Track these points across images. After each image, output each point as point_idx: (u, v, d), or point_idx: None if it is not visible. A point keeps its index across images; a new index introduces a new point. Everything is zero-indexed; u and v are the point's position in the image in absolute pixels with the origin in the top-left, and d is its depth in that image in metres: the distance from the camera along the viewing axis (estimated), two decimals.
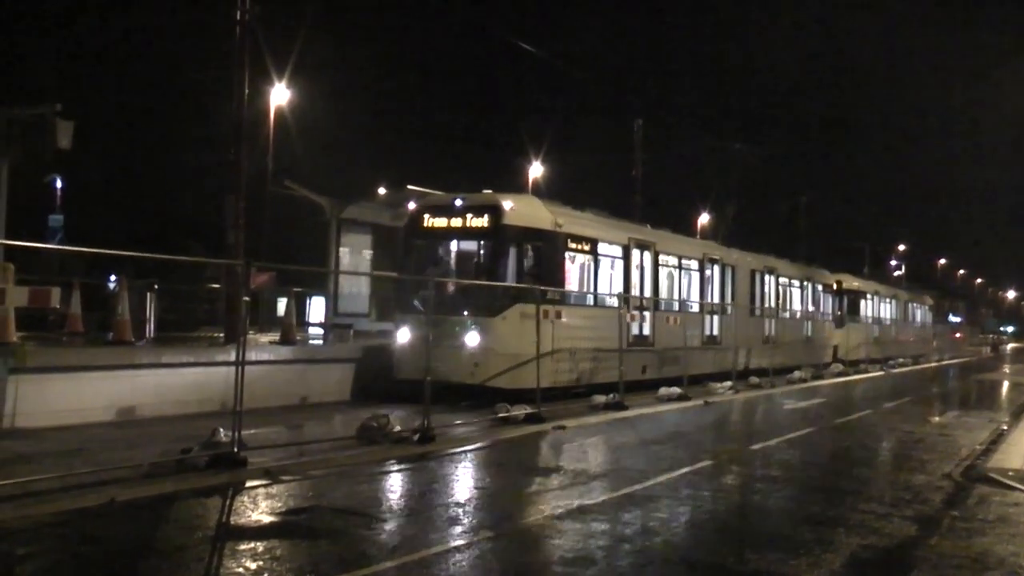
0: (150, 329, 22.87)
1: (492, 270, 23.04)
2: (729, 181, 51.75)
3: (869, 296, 55.81)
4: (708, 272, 33.50)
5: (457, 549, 9.18)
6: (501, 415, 18.88)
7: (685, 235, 39.14)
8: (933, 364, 58.91)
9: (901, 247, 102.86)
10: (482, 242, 23.65)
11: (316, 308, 32.00)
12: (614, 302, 26.19)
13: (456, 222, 23.53)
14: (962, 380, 45.16)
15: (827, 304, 48.53)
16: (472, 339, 22.19)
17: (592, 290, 26.19)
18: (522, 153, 53.40)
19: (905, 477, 14.42)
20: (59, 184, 47.86)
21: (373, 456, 14.75)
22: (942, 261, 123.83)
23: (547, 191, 40.50)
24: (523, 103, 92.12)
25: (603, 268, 26.90)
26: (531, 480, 13.38)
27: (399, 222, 26.33)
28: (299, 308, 24.50)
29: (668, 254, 30.83)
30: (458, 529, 10.00)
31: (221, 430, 13.17)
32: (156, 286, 23.48)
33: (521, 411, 19.09)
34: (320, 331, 29.25)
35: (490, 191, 24.48)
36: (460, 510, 11.11)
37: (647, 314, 28.38)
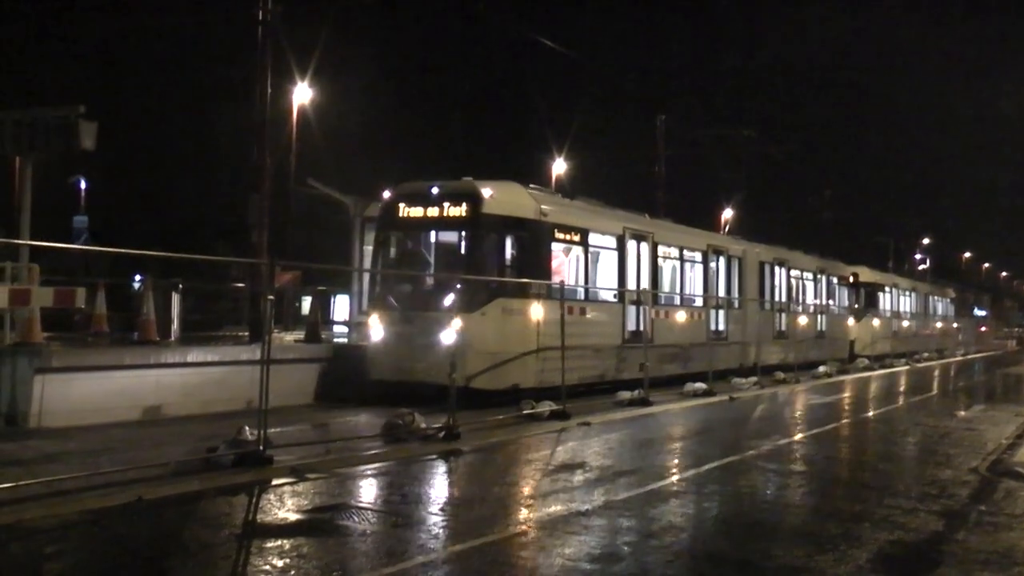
0: (175, 329, 22.94)
1: (470, 262, 21.96)
2: (739, 168, 51.10)
3: (888, 289, 54.67)
4: (713, 264, 31.95)
5: (484, 546, 9.17)
6: (526, 412, 18.86)
7: (708, 229, 38.30)
8: (958, 358, 58.65)
9: (926, 241, 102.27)
10: (459, 232, 22.36)
11: (341, 306, 32.08)
12: (608, 296, 25.58)
13: (432, 211, 22.15)
14: (987, 374, 44.96)
15: (843, 297, 47.29)
16: (449, 336, 19.91)
17: (583, 283, 24.62)
18: (545, 150, 53.32)
19: (931, 472, 14.34)
20: (83, 185, 48.15)
21: (399, 454, 14.76)
22: (967, 255, 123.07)
23: (571, 188, 40.36)
24: (546, 100, 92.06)
25: (595, 260, 25.58)
26: (557, 476, 13.36)
27: None
28: (324, 307, 24.42)
29: (668, 245, 29.51)
30: (485, 526, 9.98)
31: (247, 428, 13.19)
32: (181, 286, 23.56)
33: (546, 408, 19.07)
34: (346, 329, 29.29)
35: (469, 178, 22.86)
36: (487, 507, 11.10)
37: (644, 308, 26.83)
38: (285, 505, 11.21)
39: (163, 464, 12.42)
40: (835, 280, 45.51)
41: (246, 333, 23.23)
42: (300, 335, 25.26)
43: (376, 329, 21.77)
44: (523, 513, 10.83)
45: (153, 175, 61.76)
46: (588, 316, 24.08)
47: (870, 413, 23.49)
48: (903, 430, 20.35)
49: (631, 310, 26.32)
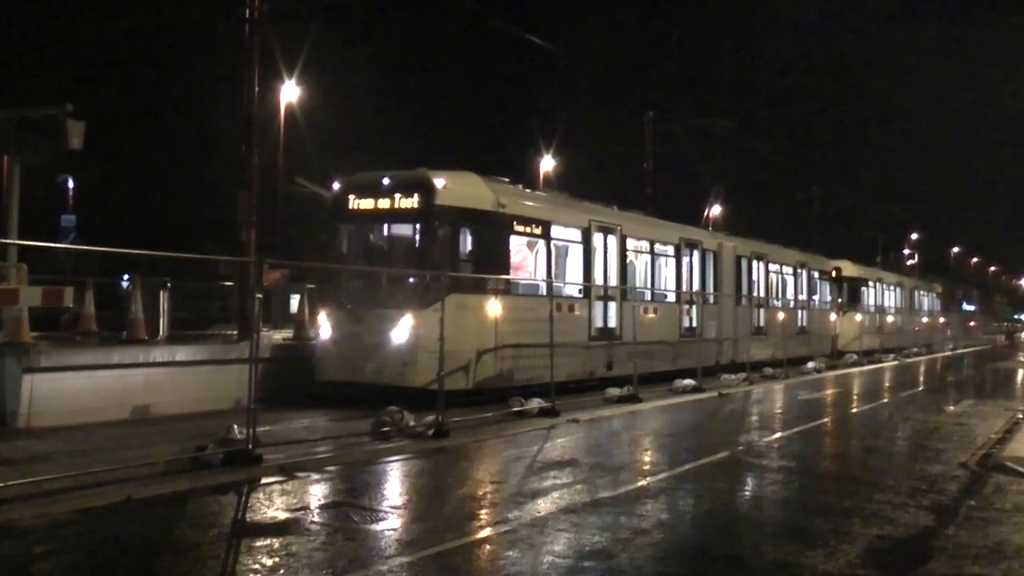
0: (163, 327, 22.89)
1: (423, 256, 20.77)
2: (722, 161, 50.69)
3: (872, 283, 54.33)
4: (686, 258, 31.02)
5: (474, 544, 9.18)
6: (515, 409, 18.85)
7: (698, 226, 38.25)
8: (947, 353, 58.75)
9: (914, 236, 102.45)
10: (412, 225, 21.27)
11: None
12: (573, 292, 24.48)
13: (384, 203, 21.07)
14: (977, 369, 45.04)
15: (826, 292, 46.45)
16: (400, 335, 19.72)
17: (545, 278, 23.17)
18: (535, 147, 53.34)
19: (921, 467, 14.37)
20: (71, 184, 48.05)
21: (388, 452, 14.76)
22: (955, 249, 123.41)
23: (557, 185, 40.33)
24: (534, 97, 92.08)
25: (559, 254, 24.48)
26: (547, 473, 13.35)
27: None
28: (312, 304, 24.25)
29: (638, 238, 28.46)
30: (474, 524, 9.98)
31: (235, 427, 13.18)
32: (169, 284, 23.50)
33: (535, 405, 19.06)
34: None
35: (423, 168, 21.39)
36: (476, 504, 11.10)
37: (612, 304, 25.99)
38: (274, 504, 11.19)
39: (152, 463, 12.40)
40: (816, 275, 44.64)
41: (235, 332, 23.16)
42: (288, 333, 25.22)
43: (324, 327, 20.91)
44: (512, 510, 10.80)
45: (141, 174, 61.73)
46: (548, 312, 21.53)
47: (859, 408, 23.55)
48: (892, 425, 20.40)
49: (598, 306, 25.42)
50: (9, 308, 17.40)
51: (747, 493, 12.68)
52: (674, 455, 15.22)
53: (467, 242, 21.43)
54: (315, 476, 12.74)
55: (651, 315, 28.08)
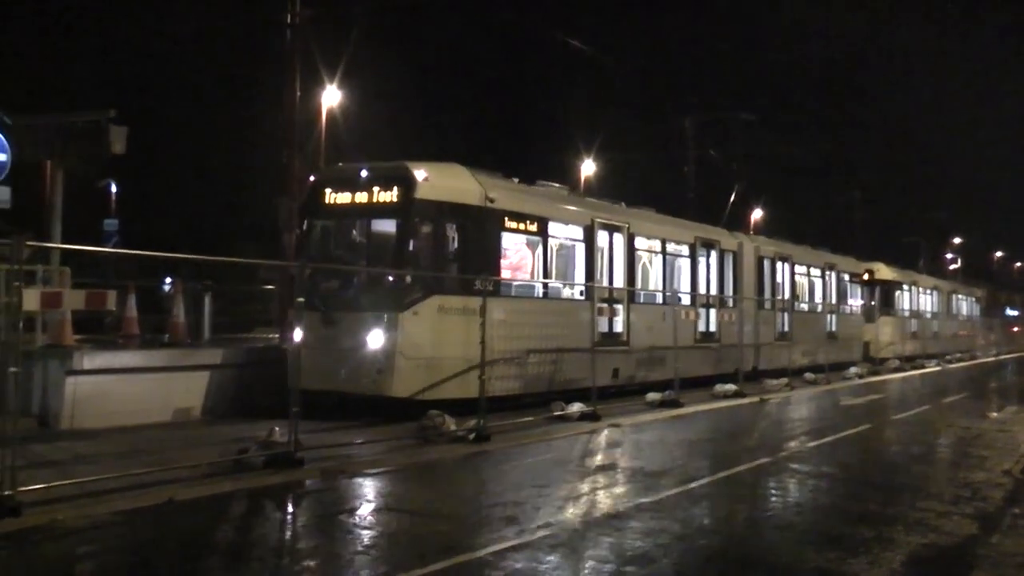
0: (205, 330, 23.00)
1: (402, 254, 19.12)
2: (736, 157, 49.46)
3: (906, 287, 51.70)
4: (702, 259, 29.29)
5: (515, 548, 9.13)
6: (556, 413, 18.83)
7: (740, 230, 37.44)
8: (990, 359, 58.21)
9: (956, 240, 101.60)
10: (390, 220, 19.58)
11: None
12: (574, 294, 22.96)
13: (361, 197, 19.46)
14: (1020, 375, 44.62)
15: (856, 296, 44.22)
16: (375, 340, 18.22)
17: (541, 278, 21.85)
18: (573, 150, 53.31)
19: (964, 474, 14.23)
20: (113, 188, 48.39)
21: (429, 455, 14.77)
22: (998, 254, 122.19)
23: (599, 190, 40.28)
24: (573, 101, 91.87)
25: (558, 253, 22.88)
26: (588, 478, 13.33)
27: None
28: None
29: (648, 237, 26.65)
30: (515, 528, 9.94)
31: (277, 430, 13.22)
32: (211, 288, 23.61)
33: (576, 409, 19.03)
34: None
35: (404, 160, 19.86)
36: (517, 509, 11.06)
37: (619, 308, 24.30)
38: (316, 506, 11.24)
39: (194, 465, 12.43)
40: (847, 277, 42.63)
41: (276, 335, 23.24)
42: None
43: (297, 331, 18.26)
44: (554, 515, 10.78)
45: (183, 178, 62.10)
46: (546, 316, 21.15)
47: (901, 415, 23.31)
48: (935, 431, 20.20)
49: (601, 309, 23.52)
50: (52, 311, 17.52)
51: (789, 499, 12.59)
52: (715, 460, 15.14)
53: (451, 239, 19.84)
54: (357, 479, 12.76)
55: (661, 319, 25.71)
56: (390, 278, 18.98)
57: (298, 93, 24.02)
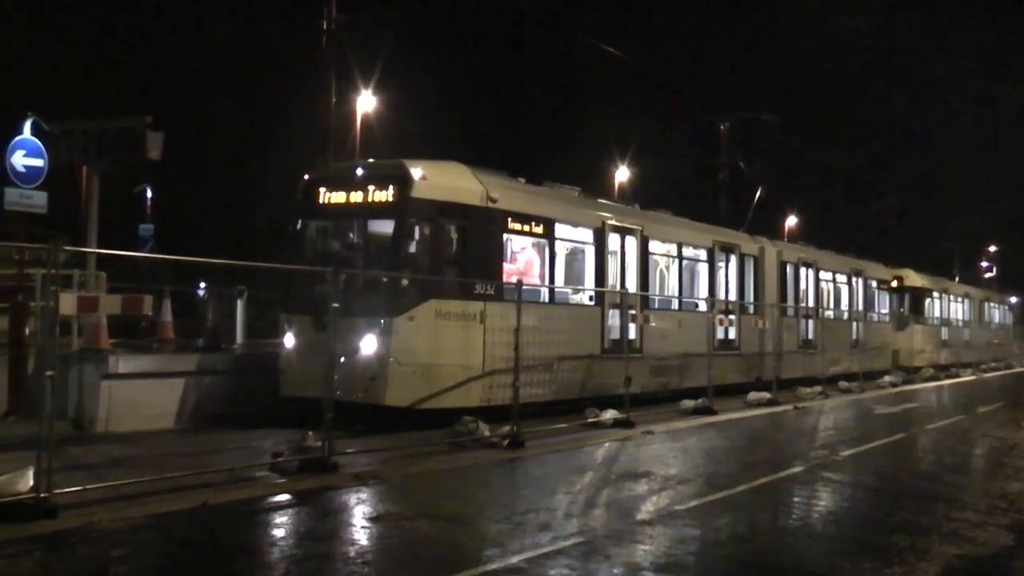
0: (239, 335, 23.08)
1: (397, 256, 18.28)
2: (759, 160, 48.87)
3: (936, 294, 50.39)
4: (721, 264, 28.33)
5: (548, 555, 9.10)
6: (590, 420, 18.84)
7: (775, 237, 37.29)
8: None
9: (992, 248, 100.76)
10: (385, 221, 18.79)
11: None
12: (582, 299, 22.30)
13: (356, 196, 18.72)
14: None
15: (884, 303, 43.40)
16: (368, 346, 17.47)
17: (547, 283, 21.04)
18: (607, 156, 53.23)
19: (1000, 484, 14.12)
20: (149, 194, 48.67)
21: (463, 461, 14.76)
22: None
23: (632, 197, 40.04)
24: (609, 106, 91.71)
25: (566, 257, 22.22)
26: (621, 485, 13.28)
27: None
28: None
29: (663, 241, 25.78)
30: (549, 535, 9.90)
31: (311, 434, 13.24)
32: (245, 293, 23.68)
33: (610, 416, 19.01)
34: None
35: (402, 158, 19.18)
36: (551, 515, 11.03)
37: (630, 313, 22.87)
38: (350, 511, 11.23)
39: (228, 469, 12.47)
40: (875, 284, 41.83)
41: None
42: None
43: (288, 337, 18.61)
44: (587, 521, 10.75)
45: (220, 183, 62.36)
46: (553, 322, 20.31)
47: (936, 424, 23.13)
48: (970, 441, 20.05)
49: (612, 315, 22.59)
50: (88, 315, 17.62)
51: (823, 508, 12.49)
52: (749, 468, 15.06)
53: (450, 241, 19.03)
54: (391, 485, 12.75)
55: (676, 326, 25.22)
56: (384, 279, 18.37)
57: (334, 98, 24.08)
